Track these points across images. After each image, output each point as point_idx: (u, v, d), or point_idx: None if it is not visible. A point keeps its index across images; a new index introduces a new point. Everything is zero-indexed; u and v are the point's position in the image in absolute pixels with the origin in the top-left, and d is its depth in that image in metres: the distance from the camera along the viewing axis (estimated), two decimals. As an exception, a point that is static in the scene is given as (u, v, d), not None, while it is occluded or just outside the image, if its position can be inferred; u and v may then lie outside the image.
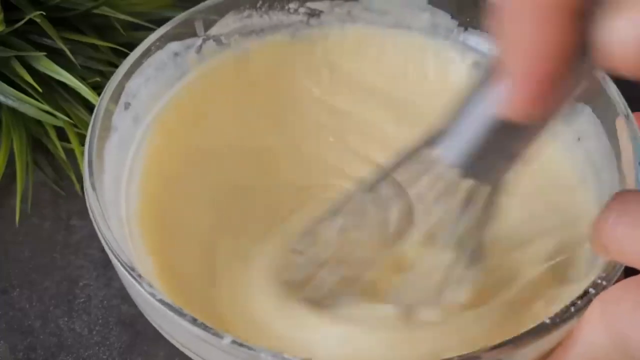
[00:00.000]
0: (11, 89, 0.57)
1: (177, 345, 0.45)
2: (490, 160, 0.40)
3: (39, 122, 0.59)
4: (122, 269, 0.44)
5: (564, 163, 0.54)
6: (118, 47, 0.59)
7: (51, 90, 0.59)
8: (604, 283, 0.43)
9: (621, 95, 0.51)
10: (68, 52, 0.56)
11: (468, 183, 0.41)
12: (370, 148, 0.56)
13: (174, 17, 0.58)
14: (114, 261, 0.44)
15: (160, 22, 0.59)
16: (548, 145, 0.55)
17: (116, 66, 0.59)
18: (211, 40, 0.57)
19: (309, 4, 0.58)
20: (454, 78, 0.57)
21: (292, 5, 0.58)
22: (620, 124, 0.50)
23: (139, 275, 0.43)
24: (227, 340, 0.40)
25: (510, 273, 0.51)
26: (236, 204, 0.54)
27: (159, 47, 0.54)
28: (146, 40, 0.53)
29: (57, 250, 0.58)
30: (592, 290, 0.43)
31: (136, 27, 0.62)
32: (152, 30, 0.60)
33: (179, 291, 0.48)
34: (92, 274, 0.57)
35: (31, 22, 0.55)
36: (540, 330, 0.41)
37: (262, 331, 0.47)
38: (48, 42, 0.58)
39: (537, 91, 0.34)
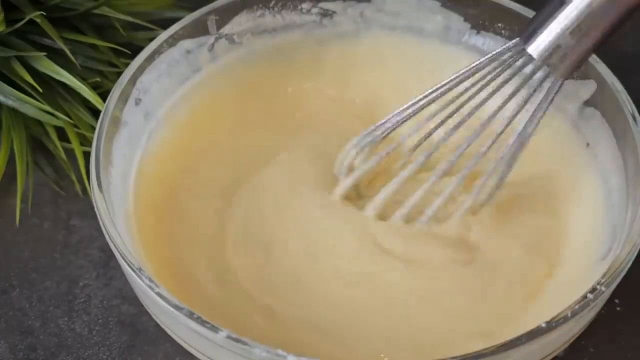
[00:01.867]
0: (11, 89, 0.57)
1: (177, 339, 0.45)
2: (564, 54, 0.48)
3: (39, 122, 0.59)
4: (122, 261, 0.44)
5: (572, 168, 0.55)
6: (118, 47, 0.60)
7: (51, 90, 0.59)
8: (603, 289, 0.43)
9: (630, 99, 0.51)
10: (68, 52, 0.56)
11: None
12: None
13: (173, 17, 0.59)
14: (115, 251, 0.44)
15: (160, 22, 0.60)
16: (557, 151, 0.55)
17: (116, 66, 0.59)
18: (224, 39, 0.57)
19: (322, 5, 0.58)
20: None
21: (305, 6, 0.58)
22: (629, 127, 0.50)
23: (139, 269, 0.43)
24: (222, 334, 0.40)
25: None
26: (244, 202, 0.54)
27: (172, 44, 0.55)
28: (159, 37, 0.54)
29: (57, 250, 0.58)
30: (590, 296, 0.43)
31: (136, 27, 0.62)
32: (152, 30, 0.61)
33: (184, 288, 0.49)
34: (92, 274, 0.57)
35: (31, 22, 0.56)
36: (537, 333, 0.42)
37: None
38: (48, 42, 0.58)
39: None
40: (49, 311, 0.55)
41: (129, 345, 0.54)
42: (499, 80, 0.50)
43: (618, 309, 0.54)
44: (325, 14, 0.59)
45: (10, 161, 0.58)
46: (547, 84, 0.49)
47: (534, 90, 0.50)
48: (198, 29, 0.56)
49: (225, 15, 0.56)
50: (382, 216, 0.53)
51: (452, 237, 0.52)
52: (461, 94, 0.50)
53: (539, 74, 0.49)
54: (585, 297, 0.43)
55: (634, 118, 0.50)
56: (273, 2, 0.58)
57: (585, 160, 0.54)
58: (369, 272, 0.51)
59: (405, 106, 0.52)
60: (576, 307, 0.43)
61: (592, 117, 0.54)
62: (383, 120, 0.52)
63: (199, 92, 0.57)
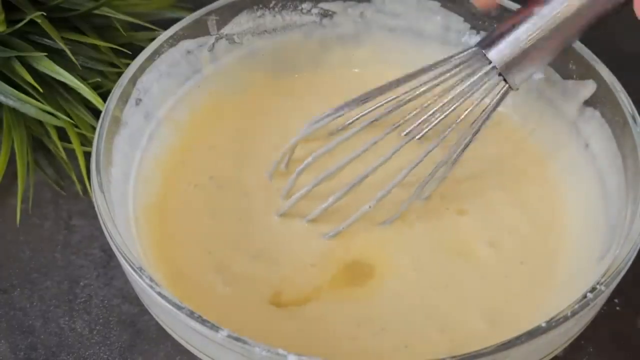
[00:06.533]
0: (12, 89, 0.57)
1: (177, 338, 0.45)
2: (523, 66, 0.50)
3: (39, 123, 0.59)
4: (123, 260, 0.44)
5: (572, 168, 0.55)
6: (118, 47, 0.60)
7: (52, 90, 0.59)
8: (603, 288, 0.43)
9: (629, 99, 0.51)
10: (69, 53, 0.56)
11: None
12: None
13: (174, 17, 0.58)
14: (115, 251, 0.44)
15: (160, 23, 0.60)
16: (557, 151, 0.55)
17: (117, 66, 0.59)
18: (224, 39, 0.57)
19: (322, 5, 0.59)
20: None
21: (305, 6, 0.58)
22: (628, 127, 0.50)
23: (140, 268, 0.43)
24: (222, 333, 0.40)
25: None
26: (244, 202, 0.54)
27: (172, 45, 0.54)
28: (159, 38, 0.54)
29: (58, 250, 0.58)
30: (590, 295, 0.43)
31: (136, 28, 0.62)
32: (152, 30, 0.61)
33: (185, 288, 0.49)
34: (93, 274, 0.57)
35: (32, 22, 0.56)
36: (537, 332, 0.42)
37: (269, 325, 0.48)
38: (49, 42, 0.58)
39: None
40: (50, 311, 0.55)
41: (130, 345, 0.54)
42: (453, 81, 0.52)
43: (618, 308, 0.54)
44: (326, 14, 0.59)
45: (11, 161, 0.58)
46: (496, 90, 0.51)
47: (484, 96, 0.51)
48: (198, 30, 0.56)
49: (225, 15, 0.56)
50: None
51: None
52: (412, 90, 0.52)
53: (492, 80, 0.51)
54: (585, 296, 0.43)
55: (634, 118, 0.50)
56: (273, 3, 0.58)
57: (585, 160, 0.54)
58: (374, 263, 0.52)
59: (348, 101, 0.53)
60: (576, 306, 0.43)
61: (591, 117, 0.54)
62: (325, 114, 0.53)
63: (199, 92, 0.57)
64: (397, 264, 0.52)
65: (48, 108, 0.58)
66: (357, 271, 0.52)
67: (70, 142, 0.59)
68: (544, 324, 0.42)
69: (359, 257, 0.52)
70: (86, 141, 0.60)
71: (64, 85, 0.58)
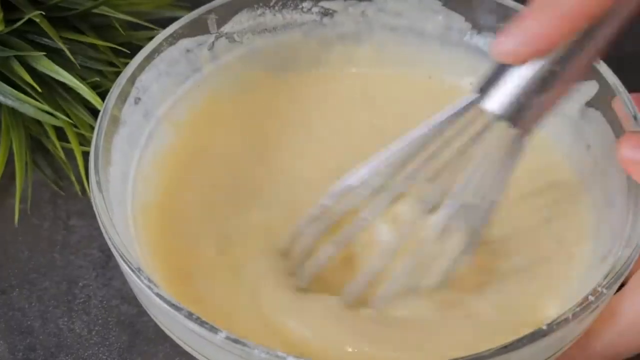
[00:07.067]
0: (10, 88, 0.57)
1: (176, 340, 0.45)
2: (529, 108, 0.44)
3: (38, 122, 0.59)
4: (121, 260, 0.44)
5: (573, 169, 0.55)
6: (117, 47, 0.60)
7: (51, 90, 0.59)
8: (604, 291, 0.43)
9: (631, 100, 0.51)
10: (67, 52, 0.56)
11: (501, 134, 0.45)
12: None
13: (173, 16, 0.58)
14: (114, 251, 0.44)
15: (159, 22, 0.60)
16: (556, 152, 0.55)
17: (116, 66, 0.59)
18: (224, 38, 0.57)
19: (322, 3, 0.58)
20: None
21: (305, 4, 0.58)
22: (629, 125, 0.50)
23: (138, 269, 0.43)
24: (221, 335, 0.40)
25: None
26: (243, 203, 0.54)
27: (171, 43, 0.54)
28: (158, 36, 0.54)
29: (57, 250, 0.58)
30: (591, 298, 0.43)
31: (136, 27, 0.62)
32: (151, 29, 0.61)
33: (184, 289, 0.49)
34: (92, 274, 0.57)
35: (30, 21, 0.56)
36: (538, 335, 0.41)
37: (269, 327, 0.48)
38: (47, 42, 0.58)
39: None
40: (49, 311, 0.55)
41: (129, 346, 0.54)
42: (461, 142, 0.47)
43: (619, 309, 0.54)
44: (326, 13, 0.59)
45: (9, 161, 0.58)
46: (506, 141, 0.46)
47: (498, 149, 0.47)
48: (198, 28, 0.55)
49: (225, 14, 0.56)
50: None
51: None
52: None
53: (501, 131, 0.46)
54: (586, 299, 0.43)
55: (636, 119, 0.50)
56: (273, 1, 0.58)
57: (586, 161, 0.54)
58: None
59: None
60: (577, 309, 0.42)
61: (593, 118, 0.54)
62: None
63: (199, 91, 0.57)
64: None
65: (47, 108, 0.57)
66: None
67: (69, 142, 0.59)
68: (545, 327, 0.41)
69: None
70: (85, 141, 0.60)
71: (62, 84, 0.58)
